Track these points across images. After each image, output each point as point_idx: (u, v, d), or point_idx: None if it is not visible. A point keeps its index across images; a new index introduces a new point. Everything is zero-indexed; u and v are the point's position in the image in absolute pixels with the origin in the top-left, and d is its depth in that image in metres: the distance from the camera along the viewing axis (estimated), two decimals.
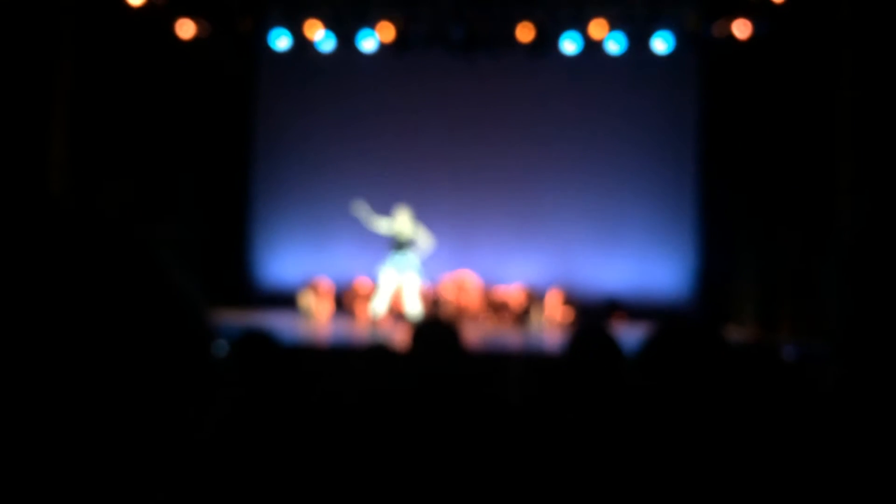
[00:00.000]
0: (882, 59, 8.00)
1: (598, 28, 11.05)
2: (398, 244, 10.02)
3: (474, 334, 9.29)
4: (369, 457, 2.19)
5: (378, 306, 10.16)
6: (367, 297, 10.90)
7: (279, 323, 9.01)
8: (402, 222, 10.08)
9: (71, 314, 0.50)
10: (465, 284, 11.27)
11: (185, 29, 11.02)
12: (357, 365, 2.81)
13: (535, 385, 2.51)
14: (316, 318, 10.98)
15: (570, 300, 11.16)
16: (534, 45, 11.30)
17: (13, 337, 0.49)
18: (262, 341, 2.78)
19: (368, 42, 11.43)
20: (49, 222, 0.53)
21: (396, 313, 10.42)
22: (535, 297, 11.02)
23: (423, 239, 10.17)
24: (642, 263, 12.16)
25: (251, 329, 2.86)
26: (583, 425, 2.39)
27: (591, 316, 10.38)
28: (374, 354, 2.90)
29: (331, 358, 6.15)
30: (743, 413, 1.91)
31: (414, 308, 10.07)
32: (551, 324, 10.89)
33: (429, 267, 10.69)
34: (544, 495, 2.00)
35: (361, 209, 10.36)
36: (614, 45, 11.20)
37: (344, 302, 11.34)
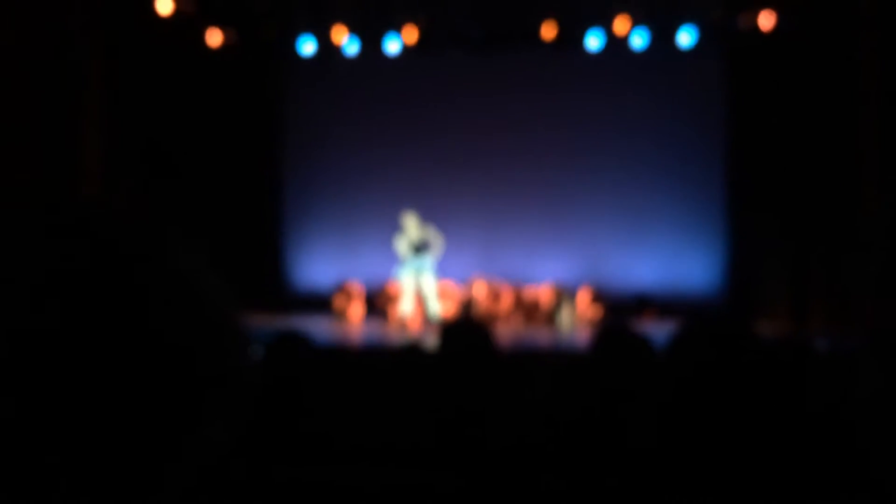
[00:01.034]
0: None
1: (621, 24, 10.97)
2: (417, 249, 10.04)
3: (505, 334, 9.27)
4: (398, 455, 2.19)
5: (405, 308, 10.18)
6: (397, 300, 10.92)
7: (312, 326, 9.06)
8: (411, 229, 10.10)
9: (105, 317, 0.50)
10: (494, 285, 11.25)
11: (214, 37, 11.12)
12: (389, 365, 2.82)
13: (564, 384, 2.49)
14: (348, 321, 11.02)
15: (600, 298, 11.09)
16: (557, 42, 11.25)
17: (48, 340, 0.49)
18: (297, 343, 2.79)
19: (393, 44, 11.46)
20: (83, 228, 0.54)
21: (423, 315, 10.44)
22: (565, 296, 10.96)
23: (435, 240, 10.17)
24: (672, 259, 12.05)
25: (286, 331, 2.87)
26: (610, 423, 2.37)
27: (618, 314, 10.30)
28: (406, 355, 2.90)
29: (363, 359, 6.17)
30: (776, 408, 1.88)
31: (434, 308, 10.09)
32: (582, 322, 10.83)
33: (458, 266, 10.68)
34: (573, 494, 1.98)
35: (400, 247, 10.29)
36: (638, 39, 11.12)
37: (376, 304, 11.37)
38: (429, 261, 10.11)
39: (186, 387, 0.53)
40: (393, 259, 11.51)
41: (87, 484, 0.50)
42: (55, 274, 0.50)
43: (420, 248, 10.04)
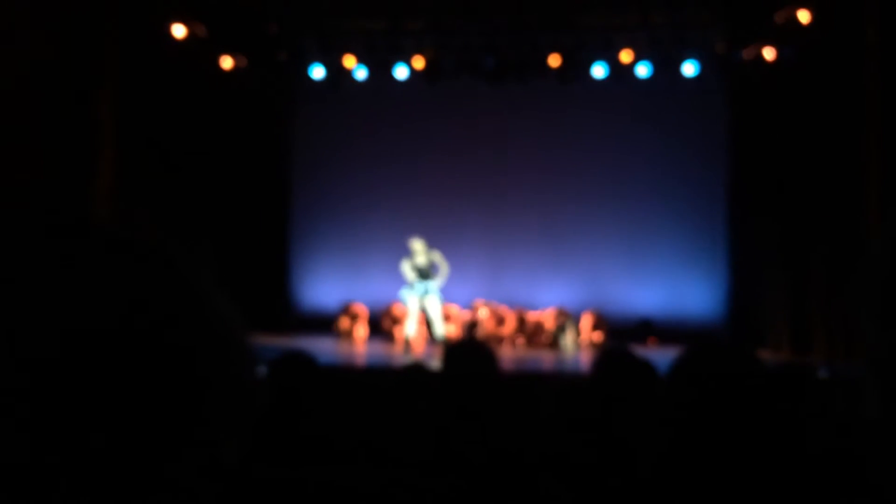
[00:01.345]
0: None
1: (626, 55, 11.07)
2: (422, 274, 10.04)
3: (508, 357, 9.24)
4: (401, 472, 2.18)
5: (409, 329, 10.17)
6: (402, 321, 10.91)
7: (317, 346, 9.04)
8: (420, 253, 10.10)
9: (113, 338, 0.51)
10: (498, 308, 11.24)
11: (225, 61, 11.22)
12: (393, 385, 2.81)
13: (567, 407, 2.48)
14: (352, 342, 11.01)
15: (603, 322, 11.07)
16: (562, 70, 11.34)
17: (51, 346, 0.49)
18: (301, 362, 2.79)
19: (401, 70, 11.56)
20: (94, 248, 0.54)
21: (427, 336, 10.42)
22: (568, 320, 10.94)
23: (442, 265, 10.16)
24: (674, 287, 12.03)
25: (290, 350, 2.87)
26: (611, 446, 2.36)
27: (619, 338, 10.27)
28: (410, 375, 2.90)
29: (367, 378, 6.15)
30: (778, 432, 1.87)
31: (439, 330, 10.08)
32: (585, 346, 10.80)
33: (462, 290, 10.67)
34: None
35: (406, 270, 10.25)
36: (643, 69, 11.22)
37: (380, 325, 11.36)
38: (434, 285, 10.10)
39: (188, 380, 0.53)
40: (398, 281, 11.51)
41: (87, 484, 0.50)
42: (61, 287, 0.51)
43: (425, 274, 10.04)
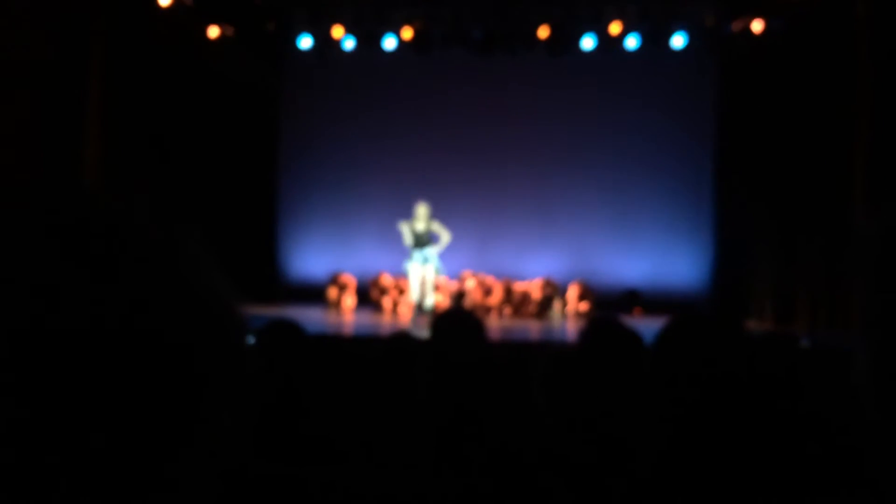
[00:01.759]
0: None
1: (615, 27, 11.02)
2: (418, 240, 9.99)
3: (495, 327, 9.27)
4: (389, 441, 2.17)
5: (413, 297, 10.17)
6: (390, 291, 10.92)
7: (305, 316, 9.04)
8: (421, 219, 10.04)
9: (104, 308, 0.49)
10: (486, 279, 11.26)
11: (212, 30, 11.09)
12: (380, 353, 2.80)
13: (554, 376, 2.47)
14: (341, 311, 11.02)
15: (590, 293, 11.10)
16: (551, 42, 11.27)
17: (48, 337, 0.48)
18: (288, 330, 2.77)
19: (389, 41, 11.48)
20: (84, 219, 0.53)
21: (413, 306, 10.44)
22: (555, 291, 10.97)
23: (442, 234, 10.13)
24: (660, 258, 12.08)
25: (276, 319, 2.85)
26: (598, 414, 2.35)
27: (606, 309, 10.31)
28: (396, 344, 2.89)
29: (354, 348, 6.16)
30: (765, 401, 1.86)
31: (429, 300, 10.07)
32: (572, 316, 10.85)
33: (450, 262, 10.67)
34: (563, 486, 1.97)
35: (404, 231, 10.18)
36: (632, 41, 11.18)
37: (368, 295, 11.37)
38: (433, 254, 10.07)
39: (187, 378, 0.52)
40: (386, 251, 11.50)
41: (88, 484, 0.49)
42: (54, 270, 0.50)
43: (422, 240, 9.99)
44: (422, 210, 10.02)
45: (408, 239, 10.00)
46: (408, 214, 10.37)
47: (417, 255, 10.00)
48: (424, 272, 10.07)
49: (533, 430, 2.31)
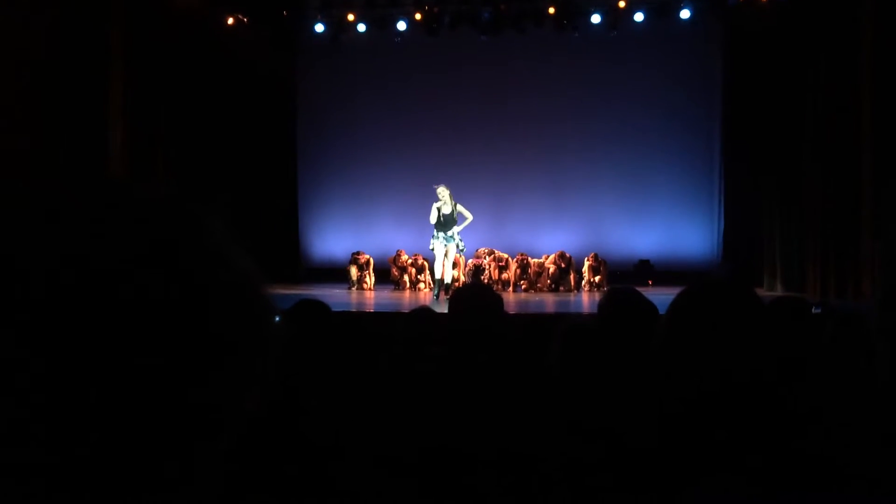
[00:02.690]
0: None
1: (622, 1, 10.94)
2: (445, 222, 9.96)
3: (511, 301, 9.27)
4: (411, 414, 2.18)
5: (437, 272, 10.14)
6: (408, 268, 10.94)
7: (326, 294, 9.07)
8: (446, 202, 10.00)
9: (133, 288, 0.49)
10: (501, 255, 11.24)
11: (229, 19, 11.09)
12: (401, 326, 2.81)
13: (572, 347, 2.46)
14: (360, 288, 11.06)
15: (604, 266, 11.07)
16: (559, 19, 11.20)
17: (75, 312, 0.47)
18: (317, 308, 2.78)
19: (400, 24, 11.48)
20: (113, 200, 0.52)
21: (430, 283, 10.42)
22: (570, 264, 10.95)
23: (466, 215, 10.10)
24: (671, 229, 12.02)
25: (305, 299, 2.87)
26: (617, 384, 2.35)
27: (620, 280, 10.27)
28: (417, 316, 2.89)
29: (376, 322, 6.17)
30: (777, 364, 1.85)
31: (448, 276, 10.07)
32: (586, 289, 10.83)
33: (467, 239, 10.66)
34: (575, 451, 1.98)
35: (432, 213, 10.11)
36: (639, 15, 11.12)
37: (388, 273, 11.40)
38: (455, 232, 10.04)
39: (217, 360, 0.52)
40: (403, 230, 11.51)
41: (95, 478, 0.48)
42: (77, 245, 0.49)
43: (448, 221, 9.96)
44: (444, 192, 9.98)
45: (433, 219, 9.98)
46: (423, 193, 10.35)
47: (441, 234, 9.98)
48: (448, 250, 10.06)
49: (548, 401, 2.31)
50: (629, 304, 2.61)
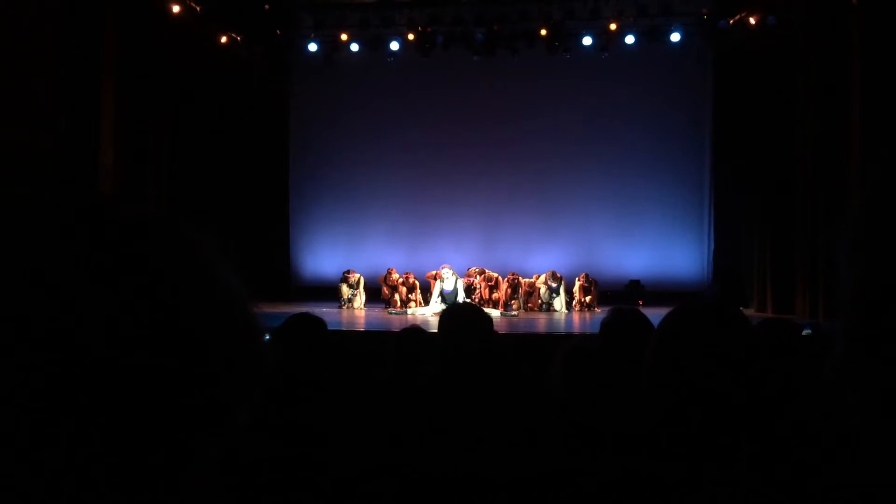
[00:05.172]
0: (892, 41, 7.86)
1: (613, 24, 11.03)
2: (443, 296, 10.11)
3: (502, 321, 9.27)
4: (403, 427, 2.18)
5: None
6: (399, 287, 10.95)
7: (317, 313, 9.03)
8: (448, 280, 10.16)
9: (121, 308, 0.49)
10: (492, 274, 11.24)
11: (221, 38, 11.12)
12: (392, 345, 2.81)
13: (575, 369, 2.46)
14: (351, 307, 11.03)
15: (594, 286, 11.08)
16: (551, 41, 11.29)
17: (67, 330, 0.48)
18: (312, 324, 2.79)
19: (393, 44, 11.54)
20: (101, 219, 0.52)
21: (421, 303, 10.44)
22: (560, 284, 10.95)
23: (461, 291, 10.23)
24: (661, 250, 12.06)
25: (301, 314, 2.88)
26: (617, 401, 2.35)
27: (610, 300, 10.28)
28: (407, 335, 2.89)
29: (367, 340, 6.16)
30: (764, 385, 1.86)
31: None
32: (577, 308, 10.83)
33: (457, 258, 10.68)
34: (572, 469, 1.98)
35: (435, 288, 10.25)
36: (630, 37, 11.21)
37: (378, 292, 11.38)
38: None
39: (206, 377, 0.52)
40: (394, 249, 11.50)
41: (100, 474, 0.49)
42: (68, 263, 0.49)
43: (445, 299, 10.08)
44: (448, 272, 10.16)
45: (435, 295, 10.14)
46: (414, 213, 10.39)
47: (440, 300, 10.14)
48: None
49: (545, 420, 2.31)
50: (634, 323, 2.61)
